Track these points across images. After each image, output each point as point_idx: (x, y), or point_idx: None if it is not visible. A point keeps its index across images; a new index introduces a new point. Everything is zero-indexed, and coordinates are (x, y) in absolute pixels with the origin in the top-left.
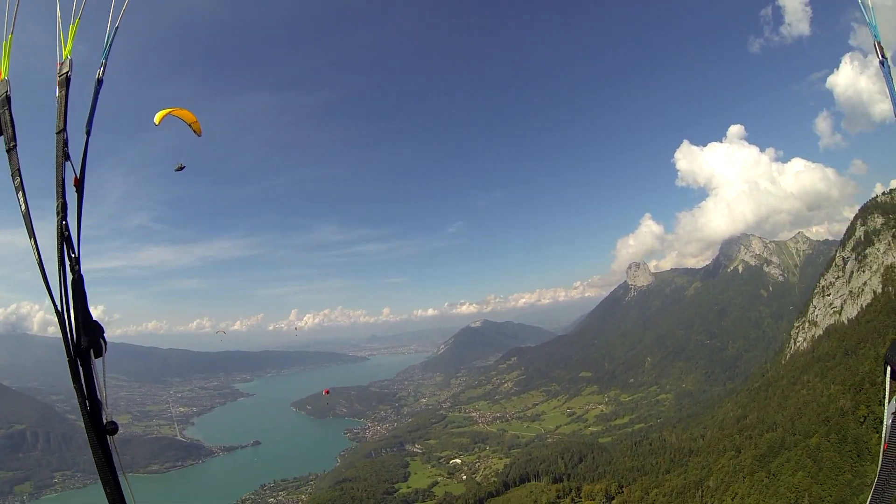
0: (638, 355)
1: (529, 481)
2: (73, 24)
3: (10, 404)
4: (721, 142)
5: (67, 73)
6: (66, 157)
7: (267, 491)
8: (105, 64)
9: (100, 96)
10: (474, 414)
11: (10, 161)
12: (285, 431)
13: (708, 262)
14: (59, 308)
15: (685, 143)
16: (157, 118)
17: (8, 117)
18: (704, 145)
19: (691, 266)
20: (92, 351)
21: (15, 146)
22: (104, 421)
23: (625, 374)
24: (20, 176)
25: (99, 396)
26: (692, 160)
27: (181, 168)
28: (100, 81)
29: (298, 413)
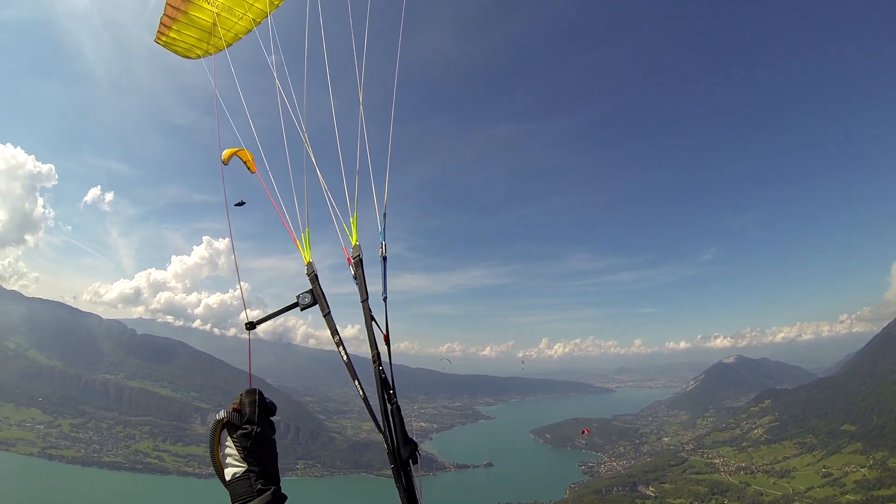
0: None
1: None
2: (353, 216)
3: (271, 397)
4: None
5: (359, 255)
6: (373, 318)
7: None
8: (385, 245)
9: (387, 268)
10: (717, 461)
11: (327, 324)
12: (520, 456)
13: None
14: (383, 429)
15: None
16: (224, 157)
17: (319, 290)
18: None
19: None
20: (411, 460)
21: (329, 312)
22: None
23: None
24: (338, 334)
25: (418, 496)
26: None
27: (241, 204)
28: (384, 259)
29: (536, 440)
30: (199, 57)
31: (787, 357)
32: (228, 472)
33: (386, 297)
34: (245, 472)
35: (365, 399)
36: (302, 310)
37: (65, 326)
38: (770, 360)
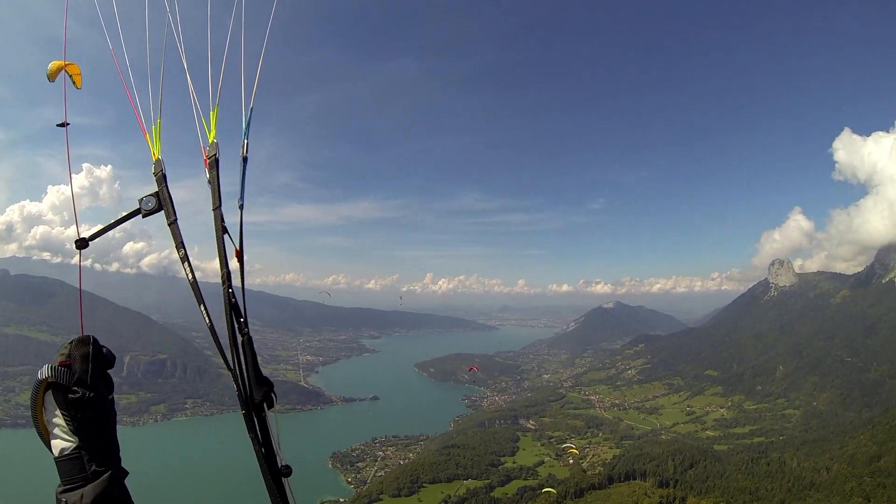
0: (769, 361)
1: (635, 479)
2: (213, 110)
3: (156, 335)
4: (888, 132)
5: (215, 155)
6: (225, 230)
7: (377, 444)
8: (246, 144)
9: (247, 171)
10: (593, 397)
11: (172, 234)
12: (405, 390)
13: (860, 269)
14: (232, 366)
15: (846, 131)
16: (49, 72)
17: (166, 193)
18: (868, 135)
19: (841, 271)
20: (265, 404)
21: (175, 220)
22: (279, 465)
23: (752, 380)
24: (184, 247)
25: (274, 444)
26: (853, 151)
27: (63, 125)
28: (245, 159)
29: (420, 374)
30: None
31: (662, 306)
32: (56, 446)
33: (242, 205)
34: (76, 448)
35: (211, 328)
36: (144, 216)
37: None
38: (646, 308)
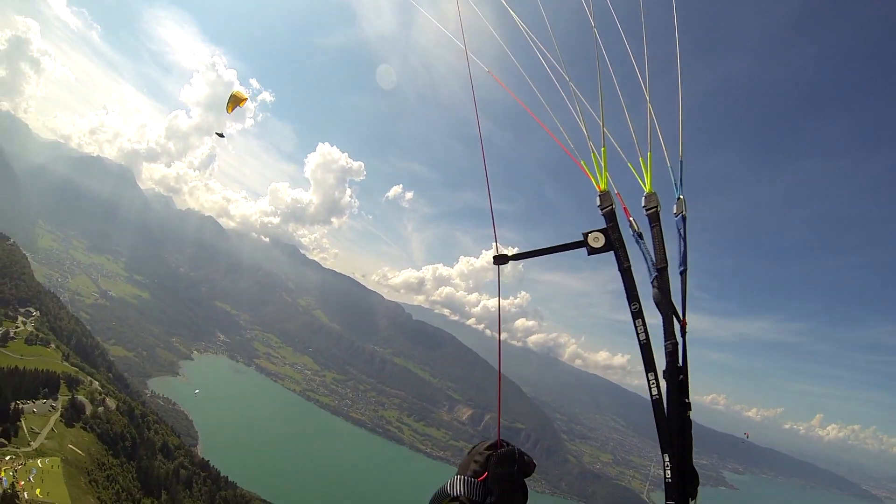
0: None
1: None
2: (648, 155)
3: (521, 406)
4: None
5: (656, 208)
6: (670, 302)
7: None
8: (683, 200)
9: (687, 231)
10: None
11: (624, 280)
12: None
13: None
14: (665, 446)
15: None
16: (229, 109)
17: (617, 232)
18: None
19: None
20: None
21: (629, 266)
22: None
23: None
24: (638, 301)
25: None
26: None
27: (221, 136)
28: (683, 218)
29: None
30: None
31: None
32: None
33: (685, 271)
34: None
35: (657, 402)
36: (589, 254)
37: (350, 298)
38: None
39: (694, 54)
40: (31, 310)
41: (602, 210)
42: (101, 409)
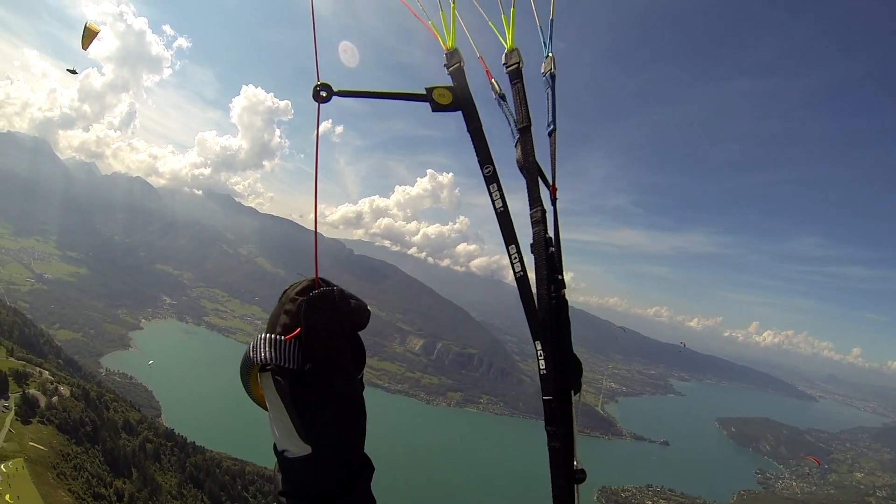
0: None
1: None
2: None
3: (471, 331)
4: None
5: (517, 65)
6: (540, 170)
7: (649, 492)
8: (552, 58)
9: (556, 91)
10: None
11: (474, 142)
12: (698, 444)
13: None
14: (536, 332)
15: None
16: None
17: (467, 91)
18: None
19: None
20: (572, 390)
21: (480, 126)
22: (574, 466)
23: None
24: (492, 163)
25: (575, 438)
26: None
27: (73, 72)
28: (551, 77)
29: (720, 430)
30: None
31: None
32: (279, 442)
33: (553, 130)
34: (307, 457)
35: (522, 279)
36: (434, 110)
37: (290, 241)
38: None
39: None
40: None
41: (449, 69)
42: (55, 398)
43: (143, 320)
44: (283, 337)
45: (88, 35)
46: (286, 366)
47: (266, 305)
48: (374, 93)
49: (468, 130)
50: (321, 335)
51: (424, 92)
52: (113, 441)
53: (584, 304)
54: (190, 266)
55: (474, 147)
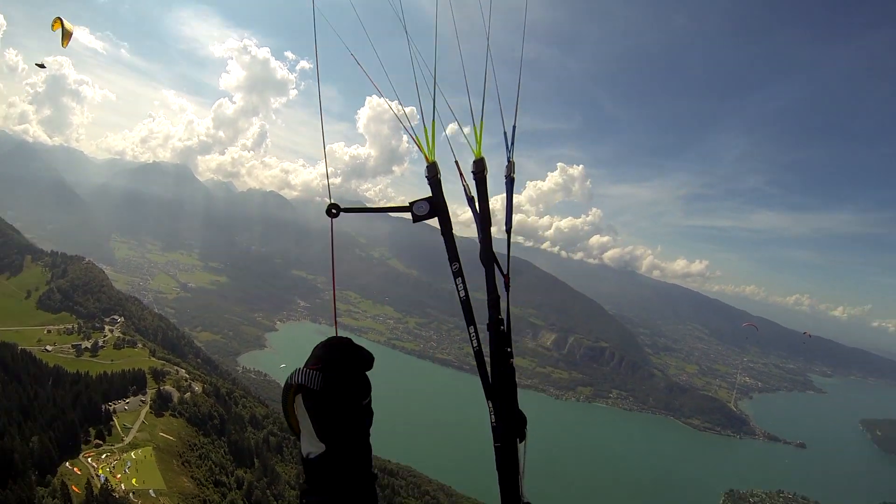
0: None
1: None
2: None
3: (603, 324)
4: None
5: (482, 172)
6: (494, 257)
7: (780, 498)
8: (513, 164)
9: (513, 193)
10: None
11: (446, 243)
12: (839, 447)
13: None
14: (488, 394)
15: None
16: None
17: (442, 200)
18: None
19: None
20: (518, 438)
21: (450, 230)
22: (521, 500)
23: None
24: (458, 261)
25: (520, 478)
26: None
27: (42, 66)
28: (511, 180)
29: (864, 434)
30: None
31: None
32: (304, 448)
33: (510, 230)
34: (322, 455)
35: (478, 353)
36: (415, 221)
37: (423, 242)
38: None
39: None
40: (116, 317)
41: (429, 179)
42: (187, 394)
43: (279, 322)
44: (308, 368)
45: (67, 35)
46: (310, 386)
47: (398, 305)
48: (370, 209)
49: (442, 233)
50: (333, 364)
51: (408, 205)
52: (238, 434)
53: (718, 294)
54: (324, 270)
55: (446, 247)
